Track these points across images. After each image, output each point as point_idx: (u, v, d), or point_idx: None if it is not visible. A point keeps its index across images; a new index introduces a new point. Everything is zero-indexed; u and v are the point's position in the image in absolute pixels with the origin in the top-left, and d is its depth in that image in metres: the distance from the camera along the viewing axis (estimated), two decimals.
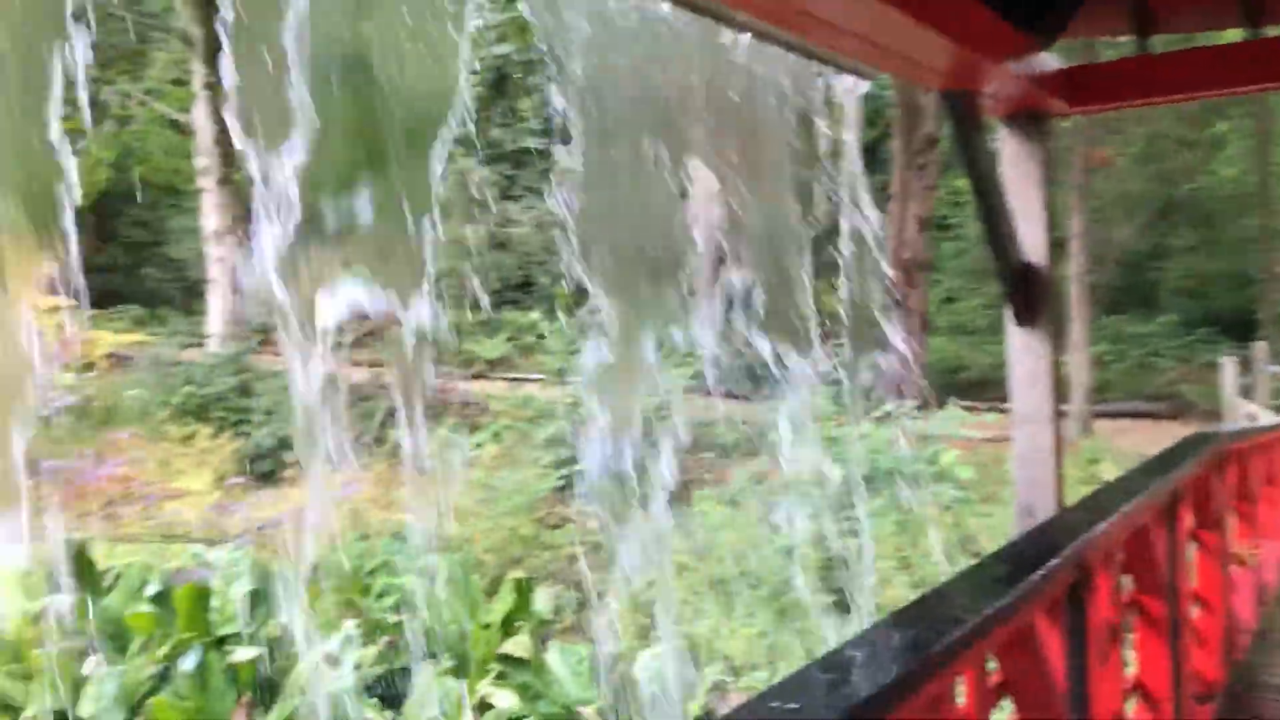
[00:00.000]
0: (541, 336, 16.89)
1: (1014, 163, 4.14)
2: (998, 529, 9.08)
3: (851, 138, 3.93)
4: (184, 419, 10.92)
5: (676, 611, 8.34)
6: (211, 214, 12.72)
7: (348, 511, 9.18)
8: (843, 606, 8.19)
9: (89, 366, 11.84)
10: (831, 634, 7.75)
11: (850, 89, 3.71)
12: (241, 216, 13.39)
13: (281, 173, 2.91)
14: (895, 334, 14.46)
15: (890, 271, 14.20)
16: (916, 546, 8.86)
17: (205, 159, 13.08)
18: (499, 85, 23.05)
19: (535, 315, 17.86)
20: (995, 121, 4.25)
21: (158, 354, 12.22)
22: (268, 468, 10.59)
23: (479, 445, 9.75)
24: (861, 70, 3.64)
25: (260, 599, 7.18)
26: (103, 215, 17.33)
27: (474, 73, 18.54)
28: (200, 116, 12.72)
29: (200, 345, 13.39)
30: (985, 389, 15.47)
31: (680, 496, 10.47)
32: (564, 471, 10.03)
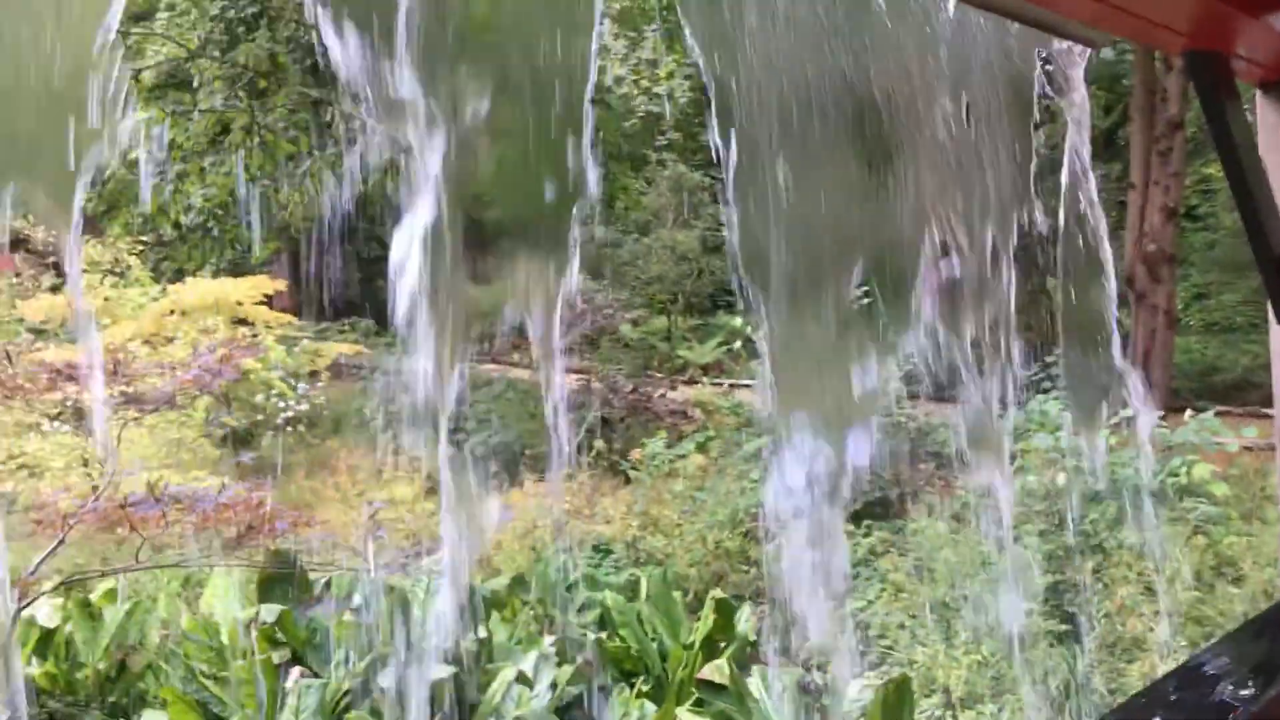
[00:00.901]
0: (752, 341, 16.51)
1: (1275, 137, 3.49)
2: (1262, 550, 8.09)
3: (1079, 117, 3.42)
4: (401, 427, 11.13)
5: (891, 637, 7.80)
6: None
7: (550, 522, 9.09)
8: (1076, 636, 7.45)
9: (314, 376, 12.27)
10: (1063, 665, 7.05)
11: (1076, 60, 3.20)
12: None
13: None
14: (1137, 333, 13.29)
15: (1128, 266, 13.08)
16: (1163, 570, 7.98)
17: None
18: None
19: (741, 320, 17.54)
20: (1252, 89, 3.61)
21: (380, 364, 12.57)
22: (488, 473, 10.67)
23: (683, 455, 9.46)
24: (1091, 36, 3.12)
25: (460, 612, 7.12)
26: (342, 231, 18.10)
27: (686, 78, 18.37)
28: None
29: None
30: (1243, 393, 14.03)
31: (897, 510, 9.88)
32: None
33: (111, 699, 6.72)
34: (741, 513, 8.88)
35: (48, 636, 6.79)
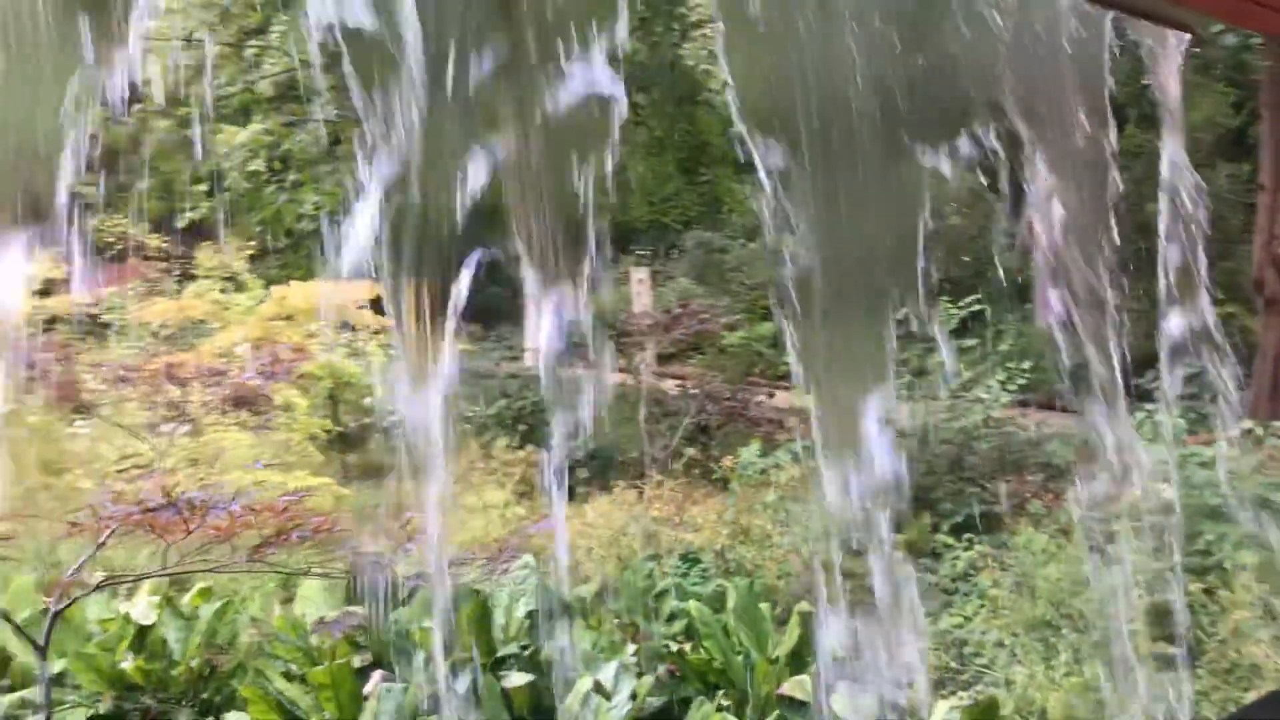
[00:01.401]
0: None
1: None
2: None
3: (1173, 113, 3.19)
4: (496, 431, 11.23)
5: (988, 656, 7.50)
6: None
7: (640, 529, 9.00)
8: (1186, 660, 7.05)
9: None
10: (1170, 692, 6.66)
11: (1171, 48, 2.98)
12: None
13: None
14: (1267, 339, 12.59)
15: (1257, 270, 12.41)
16: None
17: None
18: None
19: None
20: None
21: (478, 368, 12.69)
22: (569, 482, 10.65)
23: (778, 465, 9.27)
24: (1184, 20, 2.90)
25: (544, 619, 7.08)
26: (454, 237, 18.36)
27: None
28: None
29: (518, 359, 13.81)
30: None
31: (1001, 523, 9.53)
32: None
33: (204, 696, 6.86)
34: (837, 523, 8.63)
35: (143, 633, 6.97)
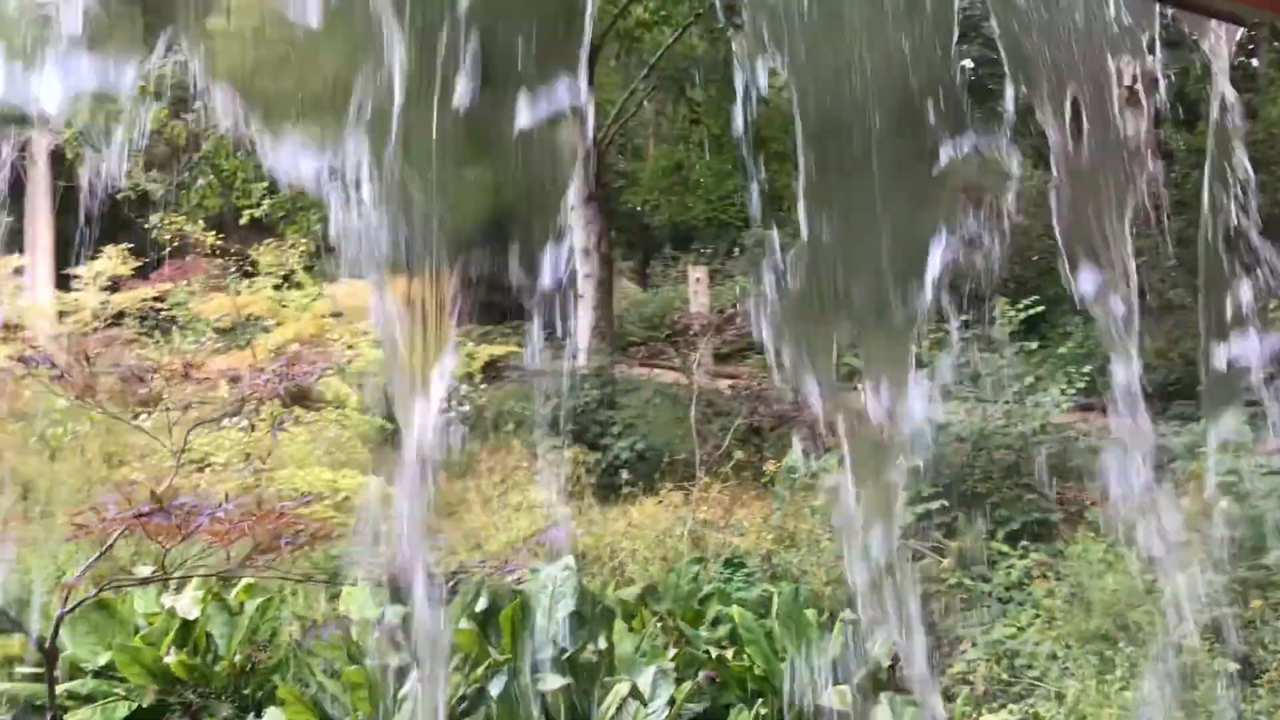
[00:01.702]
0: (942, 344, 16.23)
1: None
2: None
3: (1230, 115, 3.03)
4: (545, 430, 11.18)
5: (1040, 667, 7.29)
6: (579, 230, 13.02)
7: (686, 531, 8.90)
8: (1249, 676, 6.79)
9: (469, 378, 12.45)
10: (1229, 710, 6.43)
11: (1220, 42, 2.82)
12: (604, 231, 13.61)
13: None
14: None
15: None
16: None
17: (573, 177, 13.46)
18: None
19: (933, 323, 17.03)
20: None
21: (529, 365, 12.64)
22: (616, 482, 10.58)
23: (824, 468, 9.11)
24: (1236, 12, 2.73)
25: (583, 621, 7.01)
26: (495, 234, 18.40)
27: None
28: (570, 134, 12.97)
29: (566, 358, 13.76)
30: None
31: (1057, 532, 9.29)
32: (928, 503, 9.14)
33: (245, 692, 6.90)
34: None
35: (187, 628, 7.02)
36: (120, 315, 16.04)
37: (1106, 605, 7.49)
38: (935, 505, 8.85)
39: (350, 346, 11.14)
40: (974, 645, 7.79)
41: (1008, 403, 10.57)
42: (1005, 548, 8.88)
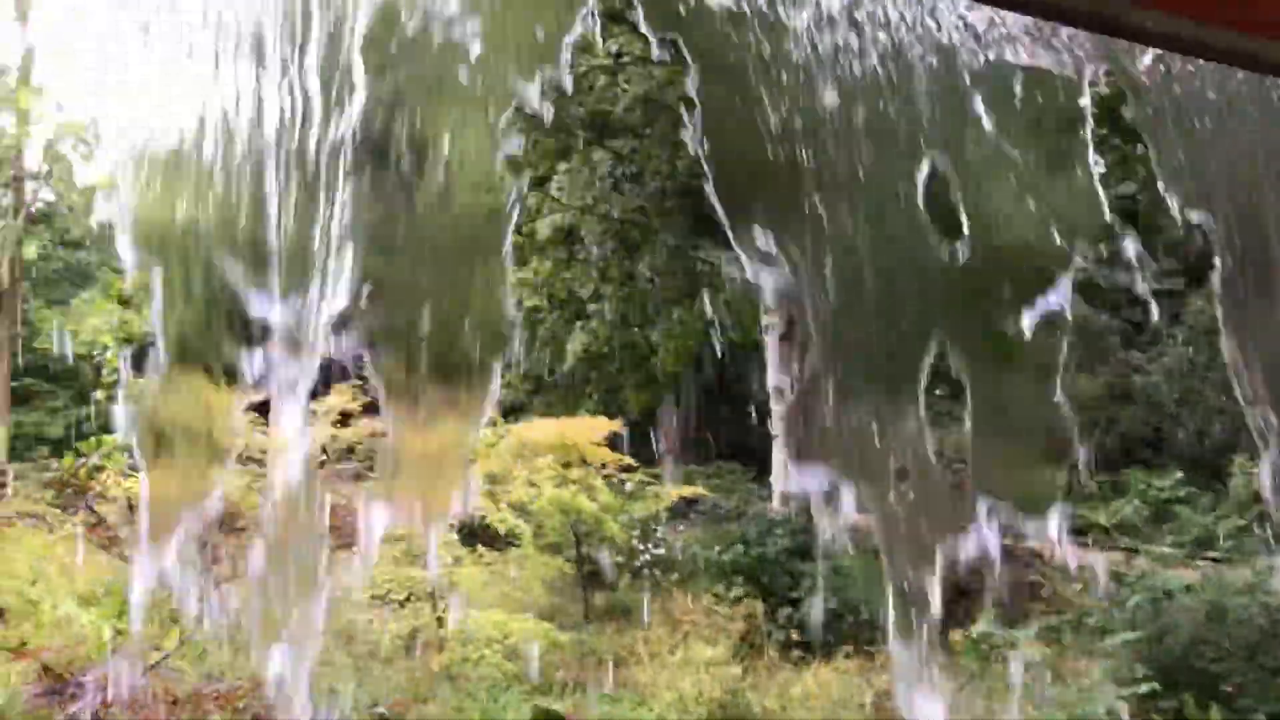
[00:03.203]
0: (1179, 500, 15.06)
1: None
2: None
3: None
4: (729, 578, 10.58)
5: None
6: (773, 369, 12.55)
7: (869, 703, 8.03)
8: None
9: (655, 519, 12.07)
10: None
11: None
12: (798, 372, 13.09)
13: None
14: None
15: None
16: None
17: (771, 314, 13.05)
18: (1126, 224, 21.06)
19: (1165, 479, 15.72)
20: None
21: (714, 508, 12.14)
22: (803, 641, 9.78)
23: (1012, 644, 8.05)
24: None
25: None
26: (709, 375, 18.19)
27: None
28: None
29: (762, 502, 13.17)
30: None
31: None
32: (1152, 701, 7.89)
33: None
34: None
35: None
36: (350, 450, 16.64)
37: None
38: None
39: (532, 484, 10.98)
40: None
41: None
42: None
